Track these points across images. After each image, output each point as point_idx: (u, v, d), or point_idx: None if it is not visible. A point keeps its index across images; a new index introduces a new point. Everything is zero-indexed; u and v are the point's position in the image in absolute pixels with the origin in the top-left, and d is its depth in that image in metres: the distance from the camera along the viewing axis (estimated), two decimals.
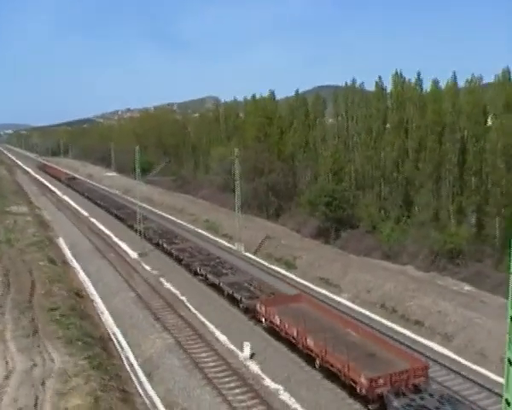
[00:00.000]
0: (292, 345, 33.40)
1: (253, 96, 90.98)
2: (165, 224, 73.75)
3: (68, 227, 77.72)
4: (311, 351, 31.06)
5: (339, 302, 43.56)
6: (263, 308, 36.93)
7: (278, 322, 34.81)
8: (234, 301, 42.06)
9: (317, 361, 30.52)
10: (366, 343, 31.03)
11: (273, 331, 35.76)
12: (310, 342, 31.18)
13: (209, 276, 47.22)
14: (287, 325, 33.82)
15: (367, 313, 41.06)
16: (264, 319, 36.84)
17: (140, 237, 62.61)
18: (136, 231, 64.58)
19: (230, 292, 42.38)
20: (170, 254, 57.69)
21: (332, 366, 28.86)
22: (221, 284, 44.50)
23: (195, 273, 49.90)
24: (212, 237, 69.17)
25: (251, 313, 38.93)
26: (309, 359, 31.53)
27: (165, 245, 59.61)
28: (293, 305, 37.71)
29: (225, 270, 48.70)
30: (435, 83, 55.68)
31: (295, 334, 32.72)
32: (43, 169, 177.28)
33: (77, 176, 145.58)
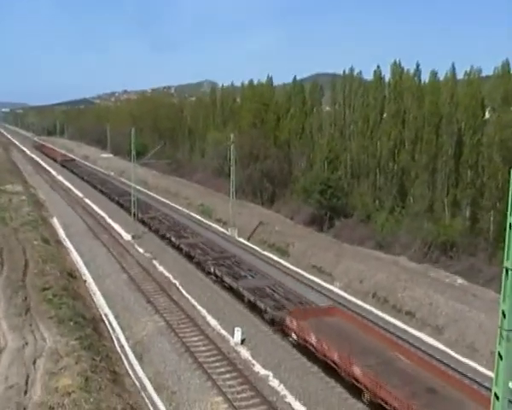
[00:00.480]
0: (329, 368, 28.84)
1: (251, 82, 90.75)
2: (169, 212, 73.51)
3: (62, 207, 77.70)
4: (358, 381, 26.15)
5: (331, 290, 43.72)
6: (294, 323, 31.92)
7: (314, 342, 29.78)
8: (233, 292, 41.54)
9: (366, 395, 25.68)
10: (420, 373, 26.22)
11: (303, 348, 31.39)
12: (356, 371, 26.27)
13: (226, 278, 42.69)
14: (326, 347, 28.71)
15: (359, 302, 41.21)
16: (295, 336, 31.99)
17: (134, 220, 62.61)
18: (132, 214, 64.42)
19: (252, 299, 37.80)
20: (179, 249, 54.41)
21: (386, 403, 23.93)
22: (241, 290, 39.77)
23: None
24: (205, 221, 69.18)
25: (277, 325, 34.23)
26: (352, 388, 27.03)
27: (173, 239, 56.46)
28: (327, 319, 33.13)
29: (244, 272, 44.05)
30: (434, 74, 55.54)
31: (337, 358, 27.73)
32: (40, 149, 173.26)
33: (75, 157, 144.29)
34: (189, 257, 50.05)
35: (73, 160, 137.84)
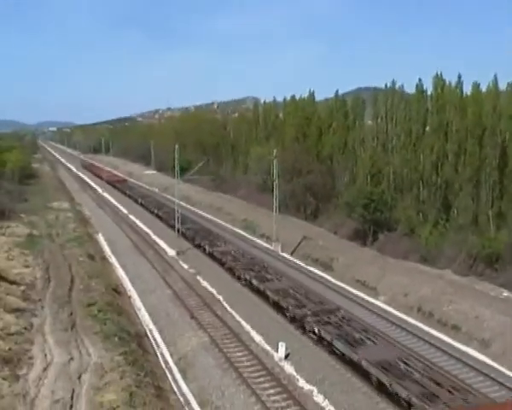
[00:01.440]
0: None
1: (293, 97, 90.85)
2: (206, 224, 73.96)
3: (108, 224, 78.73)
4: None
5: (375, 305, 43.41)
6: None
7: None
8: (277, 307, 41.31)
9: None
10: None
11: None
12: None
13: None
14: None
15: (404, 316, 40.80)
16: None
17: (177, 236, 63.10)
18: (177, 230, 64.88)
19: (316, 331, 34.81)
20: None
21: None
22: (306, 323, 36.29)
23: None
24: (249, 236, 69.31)
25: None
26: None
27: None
28: None
29: (293, 299, 40.66)
30: (476, 85, 54.99)
31: None
32: (90, 170, 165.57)
33: (131, 179, 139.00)
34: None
35: (125, 180, 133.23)
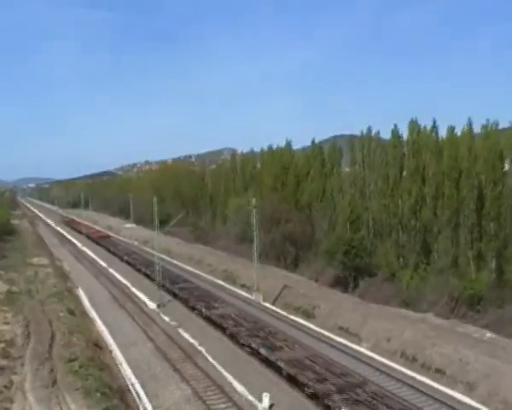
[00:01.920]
0: None
1: (270, 147, 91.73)
2: (188, 276, 73.64)
3: (87, 278, 78.17)
4: None
5: (358, 352, 43.21)
6: None
7: None
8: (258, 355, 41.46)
9: None
10: None
11: None
12: None
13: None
14: None
15: (387, 362, 40.60)
16: None
17: (158, 288, 62.70)
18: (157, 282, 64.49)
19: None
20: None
21: None
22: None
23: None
24: (229, 287, 68.99)
25: None
26: None
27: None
28: None
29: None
30: (451, 129, 55.74)
31: None
32: (70, 225, 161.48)
33: (111, 234, 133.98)
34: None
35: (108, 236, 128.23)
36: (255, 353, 41.40)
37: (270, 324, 48.82)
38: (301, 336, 46.51)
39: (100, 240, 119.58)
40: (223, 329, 48.24)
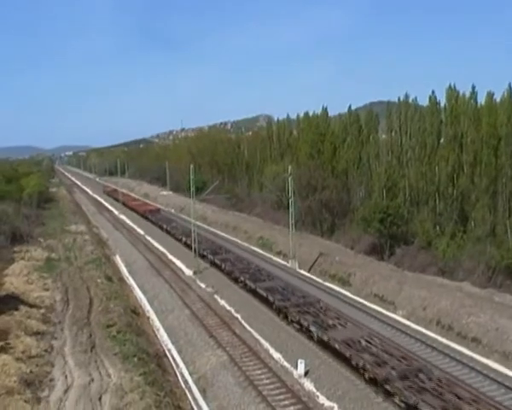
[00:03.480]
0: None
1: (306, 113, 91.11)
2: (224, 243, 73.98)
3: (124, 245, 79.03)
4: None
5: (394, 319, 43.17)
6: None
7: None
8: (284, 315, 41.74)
9: None
10: None
11: None
12: None
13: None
14: None
15: (423, 330, 40.51)
16: None
17: (194, 256, 63.14)
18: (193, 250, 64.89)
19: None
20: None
21: None
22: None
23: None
24: (266, 254, 69.23)
25: None
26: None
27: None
28: None
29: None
30: (490, 95, 54.90)
31: None
32: (113, 196, 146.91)
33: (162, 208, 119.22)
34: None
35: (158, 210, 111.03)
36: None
37: (303, 289, 48.97)
38: (335, 301, 46.74)
39: (148, 214, 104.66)
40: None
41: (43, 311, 42.12)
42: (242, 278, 51.87)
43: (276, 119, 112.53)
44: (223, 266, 57.79)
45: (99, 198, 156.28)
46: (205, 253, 64.08)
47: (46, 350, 33.97)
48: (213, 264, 61.44)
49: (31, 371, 29.71)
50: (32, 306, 42.67)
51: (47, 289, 49.11)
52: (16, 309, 40.51)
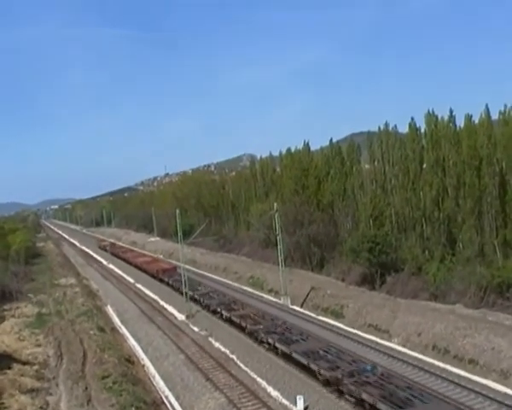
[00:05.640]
0: None
1: (288, 150, 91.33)
2: (215, 285, 73.72)
3: (115, 295, 78.63)
4: None
5: (389, 347, 43.09)
6: None
7: None
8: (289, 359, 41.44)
9: None
10: None
11: None
12: None
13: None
14: None
15: (419, 356, 40.49)
16: None
17: (185, 300, 62.85)
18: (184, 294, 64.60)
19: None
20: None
21: None
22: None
23: None
24: (257, 292, 69.10)
25: None
26: None
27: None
28: None
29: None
30: (468, 117, 55.46)
31: None
32: (110, 251, 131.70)
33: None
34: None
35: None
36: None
37: (297, 324, 48.97)
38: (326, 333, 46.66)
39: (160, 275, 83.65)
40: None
41: (36, 367, 41.83)
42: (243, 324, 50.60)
43: (258, 157, 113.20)
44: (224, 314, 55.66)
45: (86, 249, 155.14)
46: (195, 296, 63.93)
47: (42, 407, 33.70)
48: (204, 306, 61.27)
49: None
50: (24, 363, 42.34)
51: (39, 345, 48.84)
52: (9, 368, 40.21)
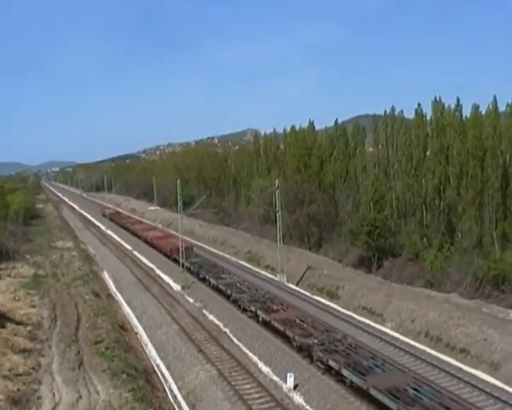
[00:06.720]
0: None
1: (293, 128, 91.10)
2: (212, 258, 73.78)
3: (112, 261, 78.70)
4: None
5: (382, 331, 43.22)
6: None
7: None
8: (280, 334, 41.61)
9: None
10: None
11: None
12: None
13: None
14: None
15: (411, 342, 40.60)
16: None
17: (182, 270, 62.92)
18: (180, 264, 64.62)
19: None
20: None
21: None
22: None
23: None
24: (254, 268, 69.17)
25: None
26: None
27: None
28: None
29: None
30: (475, 108, 55.24)
31: None
32: (115, 221, 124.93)
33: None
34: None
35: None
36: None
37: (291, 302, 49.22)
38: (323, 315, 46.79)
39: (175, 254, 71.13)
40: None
41: (30, 328, 41.84)
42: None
43: (263, 133, 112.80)
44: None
45: (85, 213, 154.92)
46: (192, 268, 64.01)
47: (33, 368, 33.70)
48: (201, 278, 61.42)
49: (18, 390, 29.47)
50: (18, 323, 42.38)
51: (34, 306, 48.83)
52: (3, 327, 40.23)
